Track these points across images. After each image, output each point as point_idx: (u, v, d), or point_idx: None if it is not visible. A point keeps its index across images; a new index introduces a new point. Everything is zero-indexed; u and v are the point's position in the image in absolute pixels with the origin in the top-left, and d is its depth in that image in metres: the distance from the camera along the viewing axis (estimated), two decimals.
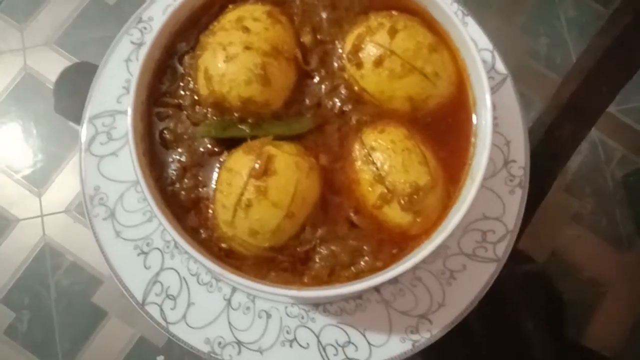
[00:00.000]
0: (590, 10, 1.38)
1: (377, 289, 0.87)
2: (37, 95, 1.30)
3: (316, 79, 0.81)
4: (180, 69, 0.80)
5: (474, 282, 0.87)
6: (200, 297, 0.85)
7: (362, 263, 0.75)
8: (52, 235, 1.24)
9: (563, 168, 1.26)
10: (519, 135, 0.93)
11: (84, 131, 0.91)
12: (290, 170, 0.72)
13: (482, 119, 0.77)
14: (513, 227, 0.90)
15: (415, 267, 0.87)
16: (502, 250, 0.89)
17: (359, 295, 0.87)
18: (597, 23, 1.32)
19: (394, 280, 0.87)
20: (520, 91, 1.26)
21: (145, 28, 0.93)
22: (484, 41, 0.96)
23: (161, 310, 0.85)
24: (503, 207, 0.90)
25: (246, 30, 0.75)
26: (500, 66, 0.95)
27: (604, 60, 1.25)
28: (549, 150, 1.22)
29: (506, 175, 0.91)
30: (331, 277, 0.74)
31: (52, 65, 1.33)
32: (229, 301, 0.85)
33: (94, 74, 0.94)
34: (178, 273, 0.86)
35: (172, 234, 0.70)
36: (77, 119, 0.93)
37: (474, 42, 0.94)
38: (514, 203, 0.90)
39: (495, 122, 0.93)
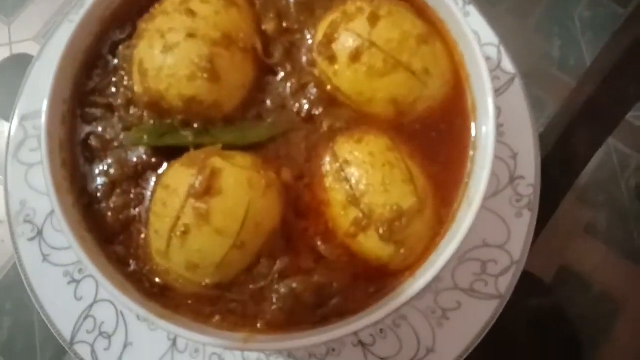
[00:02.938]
0: (606, 11, 1.30)
1: None
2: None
3: (280, 76, 0.67)
4: (114, 62, 0.66)
5: (471, 323, 0.72)
6: (139, 337, 0.71)
7: (330, 305, 0.60)
8: None
9: (576, 180, 1.13)
10: (528, 146, 0.78)
11: (12, 134, 0.77)
12: (240, 188, 0.58)
13: (483, 128, 0.63)
14: (519, 257, 0.75)
15: None
16: (506, 284, 0.74)
17: None
18: (613, 24, 1.25)
19: None
20: (532, 94, 1.14)
21: None
22: (488, 35, 0.81)
23: (93, 350, 0.71)
24: (507, 233, 0.75)
25: (191, 13, 0.61)
26: (508, 64, 0.81)
27: (626, 59, 1.11)
28: (561, 160, 1.09)
29: (512, 194, 0.76)
30: (291, 322, 0.60)
31: None
32: (174, 342, 0.71)
33: None
34: (114, 306, 0.72)
35: (87, 263, 0.56)
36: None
37: (476, 34, 0.81)
38: (521, 228, 0.75)
39: (501, 131, 0.79)
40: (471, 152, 0.64)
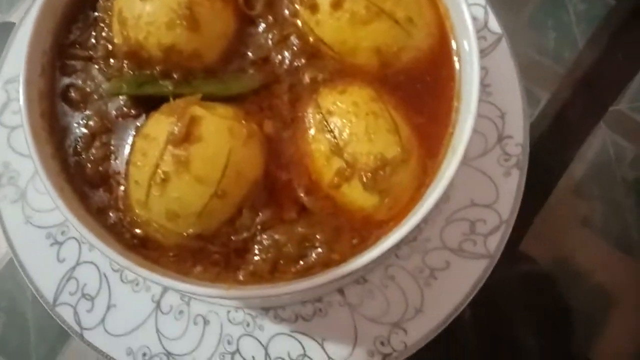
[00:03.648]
0: (601, 3, 1.27)
1: (340, 290, 0.71)
2: None
3: (262, 27, 0.66)
4: (94, 15, 0.65)
5: (459, 282, 0.71)
6: (123, 298, 0.70)
7: (313, 255, 0.59)
8: None
9: (576, 154, 1.12)
10: (516, 105, 0.77)
11: None
12: (221, 136, 0.57)
13: (467, 77, 0.62)
14: (508, 216, 0.74)
15: (387, 264, 0.72)
16: (495, 244, 0.73)
17: (317, 298, 0.71)
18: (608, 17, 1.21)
19: (361, 280, 0.72)
20: (526, 87, 1.14)
21: None
22: None
23: (75, 312, 0.70)
24: (496, 192, 0.74)
25: None
26: (495, 24, 0.80)
27: (622, 30, 1.11)
28: (561, 133, 1.08)
29: (500, 153, 0.76)
30: (274, 273, 0.59)
31: None
32: (158, 303, 0.70)
33: None
34: (98, 268, 0.71)
35: (66, 214, 0.55)
36: None
37: None
38: (510, 187, 0.74)
39: (488, 91, 0.78)
40: (455, 103, 0.63)
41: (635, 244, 1.08)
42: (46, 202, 0.73)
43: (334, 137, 0.60)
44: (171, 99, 0.60)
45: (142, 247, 0.59)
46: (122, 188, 0.61)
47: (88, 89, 0.63)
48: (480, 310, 0.87)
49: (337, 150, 0.60)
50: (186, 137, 0.55)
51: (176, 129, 0.55)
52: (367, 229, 0.61)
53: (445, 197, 0.65)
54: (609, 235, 1.08)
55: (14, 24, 0.81)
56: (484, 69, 0.78)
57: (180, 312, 0.70)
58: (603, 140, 1.19)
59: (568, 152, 1.11)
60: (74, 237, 0.72)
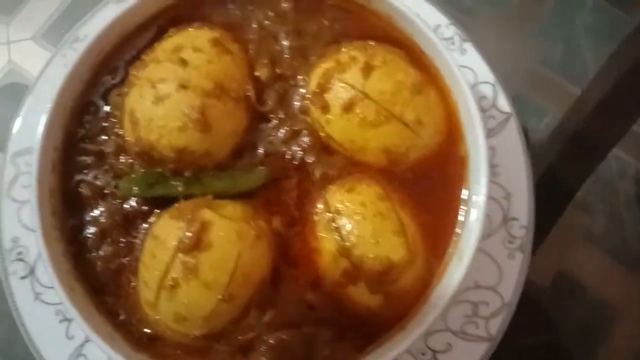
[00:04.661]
0: (610, 16, 1.27)
1: None
2: (20, 91, 1.18)
3: (273, 123, 0.66)
4: (105, 108, 0.66)
5: None
6: None
7: (319, 357, 0.60)
8: None
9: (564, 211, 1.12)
10: (522, 187, 0.77)
11: (5, 170, 0.77)
12: (229, 241, 0.58)
13: (475, 188, 0.62)
14: (510, 298, 0.74)
15: None
16: (497, 326, 0.73)
17: None
18: (616, 30, 1.20)
19: None
20: (532, 100, 1.13)
21: None
22: (484, 72, 0.80)
23: None
24: (499, 275, 0.75)
25: (183, 63, 0.60)
26: (503, 103, 0.80)
27: (615, 89, 1.10)
28: (550, 191, 1.08)
29: (505, 235, 0.76)
30: None
31: (37, 61, 1.22)
32: None
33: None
34: None
35: (76, 317, 0.56)
36: None
37: (472, 72, 0.81)
38: (513, 270, 0.75)
39: (495, 171, 0.78)
40: (463, 206, 0.64)
41: (637, 257, 1.09)
42: None
43: (342, 238, 0.61)
44: (181, 198, 0.61)
45: (151, 345, 0.60)
46: (132, 284, 0.62)
47: (99, 184, 0.64)
48: None
49: (344, 251, 0.60)
50: (196, 244, 0.56)
51: (186, 237, 0.56)
52: (372, 329, 0.62)
53: None
54: (610, 249, 1.08)
55: (24, 85, 0.81)
56: (491, 149, 0.78)
57: None
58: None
59: (565, 199, 1.11)
60: None
